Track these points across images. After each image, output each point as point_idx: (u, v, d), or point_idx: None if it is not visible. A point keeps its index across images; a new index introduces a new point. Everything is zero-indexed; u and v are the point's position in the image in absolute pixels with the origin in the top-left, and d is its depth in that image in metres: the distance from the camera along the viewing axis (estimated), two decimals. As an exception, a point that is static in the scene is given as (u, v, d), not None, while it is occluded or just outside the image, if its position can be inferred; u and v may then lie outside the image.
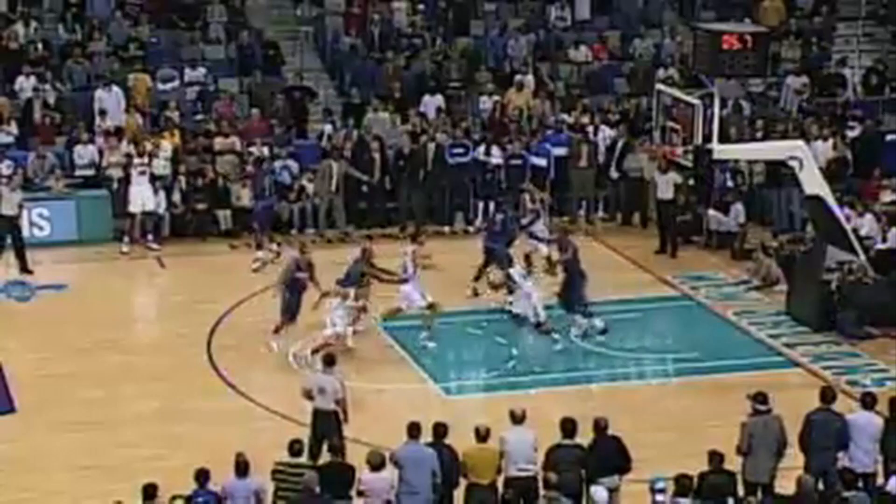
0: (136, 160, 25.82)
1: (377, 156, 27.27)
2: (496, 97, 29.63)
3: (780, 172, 25.85)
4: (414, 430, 14.82)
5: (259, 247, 25.06)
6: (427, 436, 14.88)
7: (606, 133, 28.06)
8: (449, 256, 25.61)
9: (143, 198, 25.68)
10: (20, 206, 24.70)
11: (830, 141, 27.45)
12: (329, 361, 16.71)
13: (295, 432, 15.81)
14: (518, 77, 30.03)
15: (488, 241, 23.18)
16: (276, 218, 26.36)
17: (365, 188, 27.14)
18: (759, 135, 27.27)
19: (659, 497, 13.82)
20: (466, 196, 27.63)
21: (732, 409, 15.90)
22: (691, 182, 25.13)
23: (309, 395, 16.59)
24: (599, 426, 15.04)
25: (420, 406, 17.95)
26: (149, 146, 26.11)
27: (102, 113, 27.72)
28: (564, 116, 28.92)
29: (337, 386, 16.44)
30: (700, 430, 17.56)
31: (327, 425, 16.25)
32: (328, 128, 28.06)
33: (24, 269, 24.41)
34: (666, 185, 25.67)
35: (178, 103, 28.36)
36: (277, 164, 26.85)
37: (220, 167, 26.91)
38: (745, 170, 27.21)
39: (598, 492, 14.16)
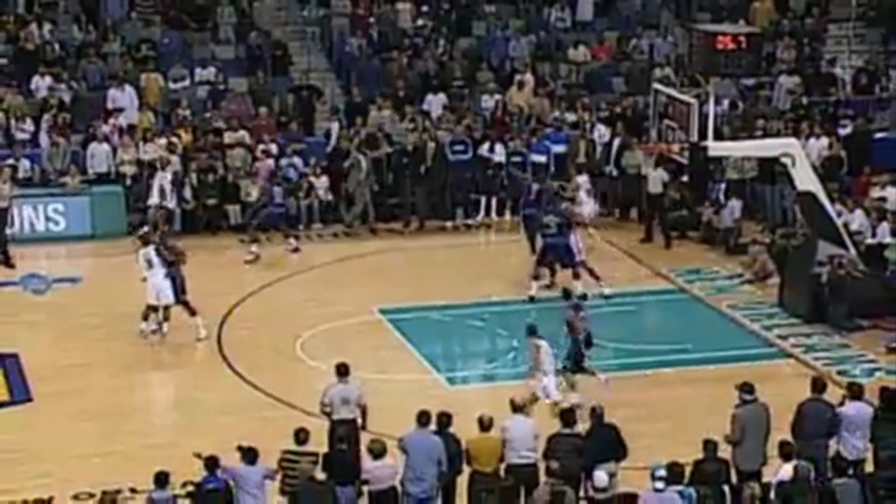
0: (173, 159, 25.77)
1: (384, 153, 27.31)
2: (498, 96, 29.66)
3: (773, 169, 25.86)
4: (423, 417, 14.82)
5: (254, 241, 24.83)
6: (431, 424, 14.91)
7: (602, 131, 28.09)
8: (450, 251, 25.71)
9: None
10: (11, 199, 24.63)
11: (825, 139, 27.45)
12: (344, 371, 16.05)
13: (301, 421, 15.83)
14: (518, 76, 30.06)
15: (524, 209, 23.05)
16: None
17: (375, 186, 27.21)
18: (757, 133, 27.23)
19: (658, 484, 13.87)
20: (466, 192, 27.59)
21: (726, 399, 15.89)
22: (685, 178, 25.17)
23: (328, 410, 15.83)
24: (595, 414, 15.09)
25: (423, 395, 17.95)
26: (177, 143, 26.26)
27: (116, 111, 27.76)
28: (566, 115, 28.94)
29: (359, 393, 15.88)
30: (694, 419, 17.57)
31: (348, 434, 15.59)
32: (335, 126, 28.06)
33: (6, 262, 24.30)
34: (655, 181, 25.78)
35: (188, 101, 28.42)
36: (284, 161, 26.87)
37: (230, 161, 26.96)
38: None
39: (599, 474, 14.19)
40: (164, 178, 25.43)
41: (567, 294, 19.67)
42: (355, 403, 15.84)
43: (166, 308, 20.70)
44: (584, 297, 21.12)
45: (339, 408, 15.77)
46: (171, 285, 20.66)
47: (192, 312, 20.87)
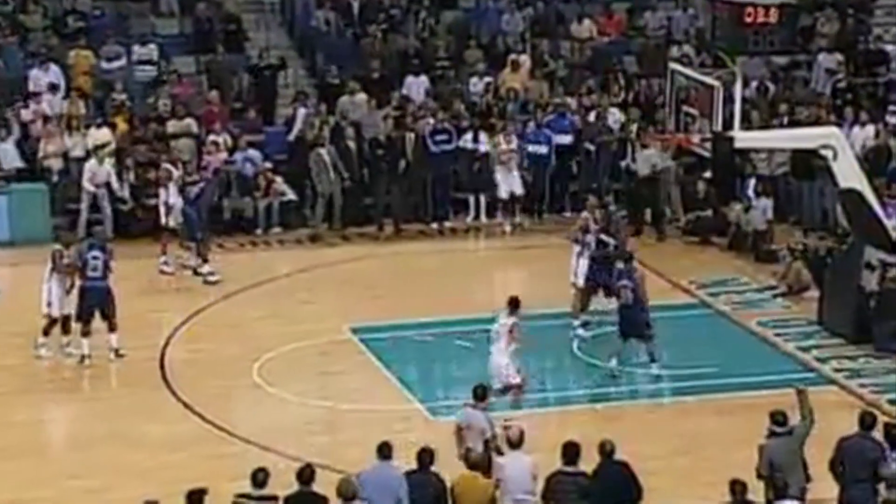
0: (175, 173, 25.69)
1: (353, 144, 27.38)
2: (488, 78, 29.74)
3: (811, 163, 25.96)
4: (385, 449, 14.83)
5: (204, 260, 24.47)
6: (412, 462, 14.93)
7: (616, 116, 28.24)
8: (432, 259, 25.75)
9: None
10: None
11: (870, 127, 27.58)
12: (479, 394, 16.38)
13: (259, 460, 15.83)
14: (513, 55, 30.15)
15: None
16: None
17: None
18: (791, 121, 27.35)
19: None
20: (447, 188, 27.65)
21: (756, 431, 15.96)
22: (708, 174, 25.27)
23: (460, 432, 16.22)
24: (605, 450, 15.09)
25: (401, 428, 17.99)
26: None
27: (38, 95, 27.78)
28: (568, 99, 29.04)
29: (484, 424, 16.11)
30: (720, 455, 17.64)
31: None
32: (302, 112, 28.06)
33: None
34: (645, 162, 25.99)
35: (125, 84, 28.45)
36: (238, 155, 26.91)
37: (175, 154, 26.98)
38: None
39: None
40: (168, 195, 25.13)
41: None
42: (478, 434, 16.00)
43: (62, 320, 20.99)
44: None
45: (466, 433, 16.12)
46: (52, 294, 20.86)
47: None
